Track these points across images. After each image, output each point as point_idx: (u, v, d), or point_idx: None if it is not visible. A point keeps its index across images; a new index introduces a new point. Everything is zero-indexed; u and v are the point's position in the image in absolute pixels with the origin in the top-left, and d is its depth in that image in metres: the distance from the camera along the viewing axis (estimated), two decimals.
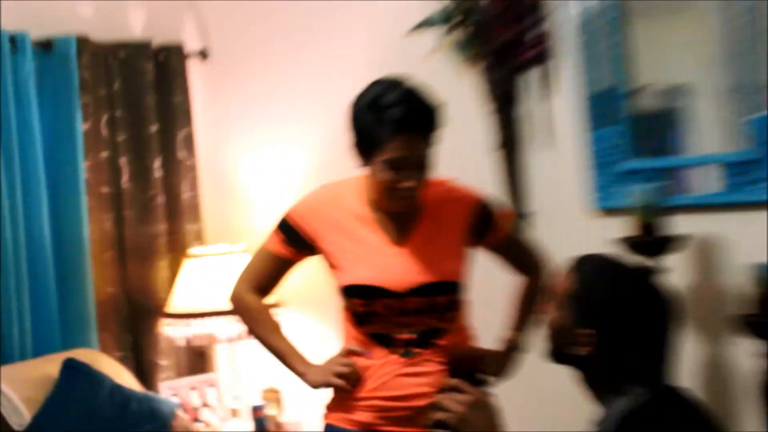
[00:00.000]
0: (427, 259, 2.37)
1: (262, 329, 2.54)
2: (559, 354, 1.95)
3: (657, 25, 3.15)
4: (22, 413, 3.29)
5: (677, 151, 3.08)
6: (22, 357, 3.63)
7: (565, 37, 3.29)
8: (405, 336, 2.38)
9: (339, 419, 2.45)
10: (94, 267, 3.92)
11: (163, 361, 4.08)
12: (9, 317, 3.60)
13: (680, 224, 2.96)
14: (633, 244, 2.92)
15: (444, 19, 3.44)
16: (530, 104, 3.39)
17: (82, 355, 3.62)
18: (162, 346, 4.06)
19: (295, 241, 2.45)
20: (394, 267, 2.37)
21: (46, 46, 3.85)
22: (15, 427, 3.28)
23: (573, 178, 3.30)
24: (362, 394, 2.41)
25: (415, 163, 2.31)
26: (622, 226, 3.02)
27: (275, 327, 2.54)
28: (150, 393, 3.73)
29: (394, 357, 2.38)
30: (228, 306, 2.60)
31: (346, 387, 2.39)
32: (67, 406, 3.36)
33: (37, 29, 3.83)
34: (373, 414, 2.40)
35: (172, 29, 4.35)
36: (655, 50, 3.13)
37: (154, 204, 4.14)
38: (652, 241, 2.90)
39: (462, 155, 3.55)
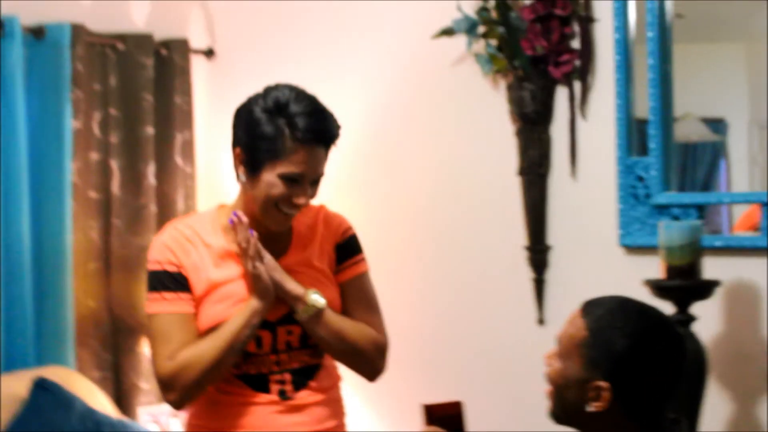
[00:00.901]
0: (303, 284, 2.33)
1: (212, 347, 2.27)
2: (566, 411, 1.88)
3: (702, 49, 3.10)
4: None
5: (712, 187, 3.03)
6: None
7: (599, 57, 3.24)
8: (278, 376, 2.33)
9: None
10: (76, 278, 3.86)
11: (145, 385, 4.02)
12: None
13: (711, 267, 2.89)
14: (660, 287, 2.85)
15: (468, 28, 3.39)
16: (558, 127, 3.35)
17: (55, 373, 3.58)
18: (144, 367, 4.02)
19: (183, 286, 2.31)
20: None
21: (37, 33, 3.80)
22: None
23: (598, 211, 3.25)
24: None
25: (311, 179, 2.28)
26: (649, 267, 2.96)
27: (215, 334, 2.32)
28: (126, 419, 3.68)
29: (272, 399, 2.33)
30: (175, 395, 2.29)
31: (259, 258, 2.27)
32: (33, 430, 3.32)
33: (29, 15, 3.79)
34: None
35: (177, 25, 4.32)
36: (697, 77, 3.08)
37: (145, 213, 4.09)
38: (681, 286, 2.83)
39: (483, 176, 3.52)
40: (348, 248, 2.45)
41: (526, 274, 3.42)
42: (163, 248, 2.33)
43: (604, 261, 3.22)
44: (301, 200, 2.27)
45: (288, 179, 2.24)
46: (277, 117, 2.23)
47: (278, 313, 2.32)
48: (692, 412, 2.69)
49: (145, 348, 3.96)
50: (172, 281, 2.30)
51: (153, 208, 4.11)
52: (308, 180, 2.27)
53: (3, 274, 3.66)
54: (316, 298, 2.31)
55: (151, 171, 4.12)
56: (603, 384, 1.79)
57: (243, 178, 2.30)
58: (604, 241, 3.22)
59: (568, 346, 1.85)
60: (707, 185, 3.21)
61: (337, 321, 2.34)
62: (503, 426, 3.45)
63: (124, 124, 4.09)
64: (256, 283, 2.28)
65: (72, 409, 3.44)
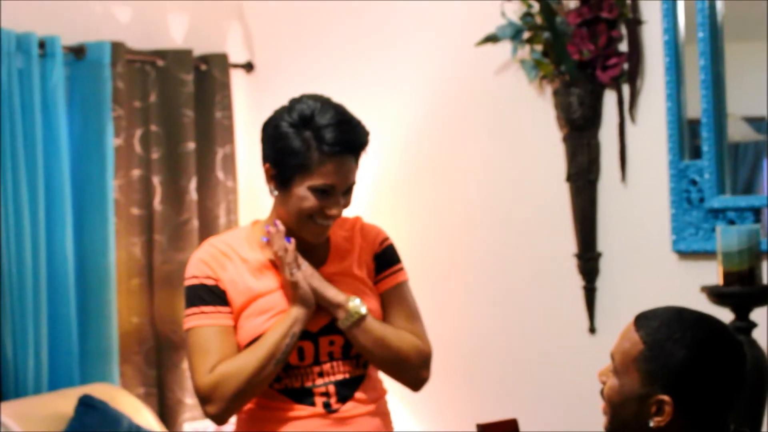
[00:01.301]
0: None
1: (253, 357, 2.21)
2: (625, 428, 1.80)
3: (739, 48, 3.03)
4: None
5: (755, 188, 2.96)
6: (37, 391, 3.56)
7: (648, 59, 3.17)
8: (322, 389, 2.27)
9: None
10: (119, 295, 3.85)
11: (189, 400, 3.98)
12: (24, 347, 3.54)
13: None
14: (718, 294, 2.75)
15: (512, 34, 3.33)
16: (607, 132, 3.27)
17: (100, 390, 3.55)
18: (188, 383, 3.98)
19: (221, 300, 2.26)
20: None
21: (78, 52, 3.81)
22: None
23: (649, 216, 3.17)
24: None
25: (343, 189, 2.24)
26: (703, 273, 2.87)
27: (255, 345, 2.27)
28: None
29: (317, 411, 2.26)
30: (215, 408, 2.22)
31: (288, 258, 2.23)
32: None
33: (69, 34, 3.80)
34: None
35: (215, 40, 4.30)
36: (736, 76, 3.00)
37: (187, 228, 4.06)
38: (741, 292, 2.74)
39: (530, 184, 3.46)
40: (386, 258, 2.40)
41: (576, 282, 3.34)
42: (199, 263, 2.29)
43: (656, 267, 3.14)
44: (333, 211, 2.23)
45: (319, 191, 2.21)
46: (303, 130, 2.19)
47: (319, 323, 2.27)
48: (755, 422, 2.60)
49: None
50: (210, 295, 2.25)
51: (195, 223, 4.09)
52: (339, 191, 2.23)
53: (47, 293, 3.64)
54: (358, 305, 2.26)
55: (192, 186, 4.10)
56: (665, 398, 1.72)
57: (275, 192, 2.27)
58: (657, 247, 3.14)
59: (624, 362, 1.78)
60: (750, 186, 3.12)
61: (379, 329, 2.29)
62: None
63: (165, 140, 4.07)
64: (295, 291, 2.23)
65: (118, 426, 3.41)
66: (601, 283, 3.30)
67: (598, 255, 3.29)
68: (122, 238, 3.90)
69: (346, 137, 2.20)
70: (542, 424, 3.40)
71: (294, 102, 2.25)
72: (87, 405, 3.41)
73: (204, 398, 2.23)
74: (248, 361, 2.20)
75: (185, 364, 3.97)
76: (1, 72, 3.56)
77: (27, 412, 3.33)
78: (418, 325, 2.38)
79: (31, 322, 3.56)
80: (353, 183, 2.26)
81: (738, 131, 3.12)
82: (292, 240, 2.25)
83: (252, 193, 4.29)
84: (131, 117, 3.97)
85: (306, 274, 2.24)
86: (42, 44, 3.67)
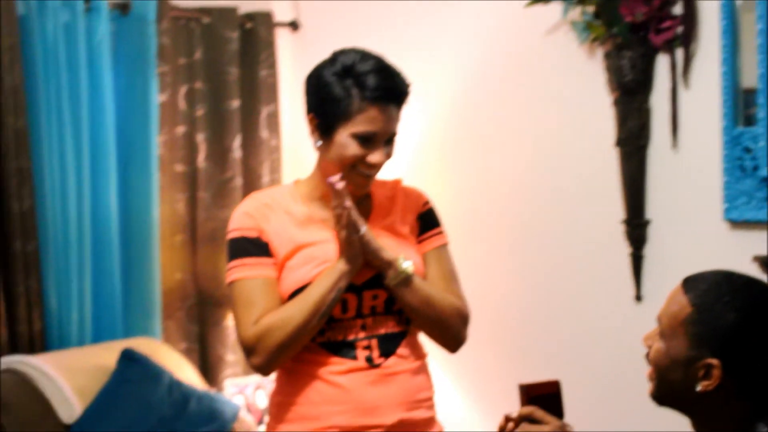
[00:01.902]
0: (388, 250, 2.27)
1: (299, 309, 2.20)
2: (671, 393, 1.75)
3: None
4: (73, 405, 3.24)
5: None
6: (80, 343, 3.58)
7: (703, 22, 3.07)
8: (365, 342, 2.26)
9: None
10: (163, 251, 3.86)
11: (230, 356, 3.99)
12: (68, 300, 3.56)
13: None
14: None
15: None
16: (658, 96, 3.19)
17: (142, 344, 3.56)
18: (230, 339, 3.98)
19: (264, 251, 2.25)
20: None
21: (123, 9, 3.79)
22: (65, 419, 3.23)
23: (701, 184, 3.09)
24: (323, 413, 2.23)
25: (385, 137, 2.23)
26: (755, 243, 2.80)
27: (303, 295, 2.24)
28: (212, 391, 3.65)
29: (359, 365, 2.24)
30: (260, 359, 2.21)
31: (354, 226, 2.20)
32: (121, 401, 3.30)
33: None
34: None
35: None
36: None
37: (231, 186, 4.05)
38: None
39: (578, 148, 3.40)
40: (429, 219, 2.41)
41: (624, 249, 3.27)
42: (242, 216, 2.28)
43: (706, 236, 3.06)
44: (376, 159, 2.22)
45: (361, 138, 2.20)
46: (345, 78, 2.20)
47: (364, 276, 2.26)
48: None
49: (230, 321, 3.92)
50: (253, 246, 2.25)
51: (239, 180, 4.08)
52: (381, 138, 2.22)
53: (92, 247, 3.66)
54: (407, 265, 2.25)
55: (236, 144, 4.08)
56: (713, 361, 1.68)
57: (318, 143, 2.26)
58: (707, 216, 3.06)
59: (672, 325, 1.74)
60: None
61: (424, 288, 2.28)
62: (600, 405, 3.33)
63: (209, 97, 4.05)
64: (347, 249, 2.21)
65: (159, 381, 3.42)
66: (648, 250, 3.23)
67: (647, 222, 3.22)
68: (166, 194, 3.91)
69: (386, 84, 2.20)
70: (587, 392, 3.36)
71: (337, 53, 2.26)
72: (129, 358, 3.42)
73: (249, 350, 2.22)
74: (293, 313, 2.19)
75: (227, 321, 3.98)
76: (47, 26, 3.56)
77: (70, 364, 3.36)
78: (456, 287, 2.38)
79: (75, 276, 3.59)
80: (394, 132, 2.25)
81: None
82: (350, 202, 2.21)
83: (296, 153, 4.26)
84: (176, 74, 3.96)
85: (363, 237, 2.22)
86: (87, 0, 3.65)
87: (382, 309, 2.28)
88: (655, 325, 1.79)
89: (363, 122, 2.19)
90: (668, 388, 1.75)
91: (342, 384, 2.23)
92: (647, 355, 1.79)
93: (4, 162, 3.44)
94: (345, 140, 2.20)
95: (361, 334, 2.26)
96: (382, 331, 2.28)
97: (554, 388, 1.92)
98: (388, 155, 2.26)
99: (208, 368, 3.96)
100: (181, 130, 3.97)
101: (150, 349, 3.55)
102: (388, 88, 2.20)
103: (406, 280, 2.24)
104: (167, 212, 3.90)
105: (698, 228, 3.10)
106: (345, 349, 2.25)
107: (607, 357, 3.33)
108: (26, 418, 3.14)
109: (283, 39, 4.30)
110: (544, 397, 1.91)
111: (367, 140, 2.20)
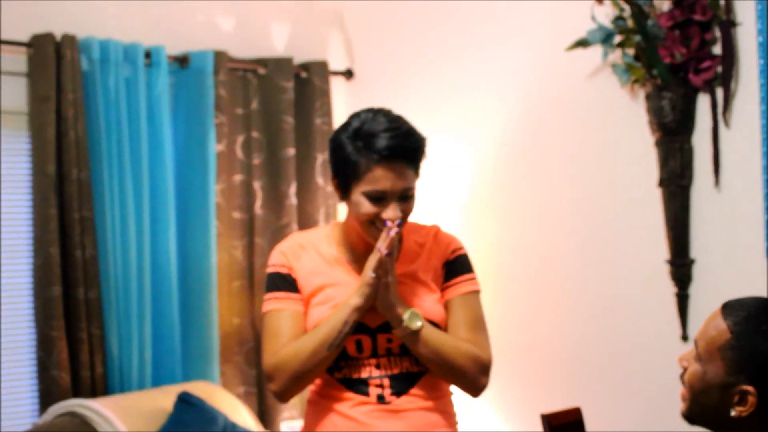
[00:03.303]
0: (404, 296, 2.38)
1: (311, 341, 2.33)
2: (704, 415, 1.78)
3: None
4: None
5: None
6: (140, 387, 3.69)
7: (742, 62, 3.10)
8: (377, 381, 2.36)
9: None
10: (221, 296, 3.97)
11: None
12: (129, 345, 3.68)
13: None
14: None
15: (603, 38, 3.30)
16: (700, 136, 3.21)
17: (200, 388, 3.66)
18: None
19: (292, 287, 2.43)
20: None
21: (182, 62, 3.93)
22: None
23: (743, 222, 3.10)
24: None
25: (396, 194, 2.31)
26: None
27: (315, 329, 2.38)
28: None
29: (370, 401, 2.36)
30: (276, 387, 2.38)
31: (384, 273, 2.30)
32: None
33: (174, 44, 3.93)
34: None
35: (316, 48, 4.38)
36: None
37: (287, 232, 4.13)
38: None
39: (621, 189, 3.42)
40: (457, 266, 2.48)
41: (669, 288, 3.29)
42: (278, 254, 2.47)
43: (750, 274, 3.06)
44: (388, 215, 2.31)
45: (372, 197, 2.31)
46: (356, 140, 2.32)
47: (378, 320, 2.37)
48: None
49: None
50: (283, 282, 2.42)
51: (295, 226, 4.17)
52: (393, 196, 2.32)
53: (151, 293, 3.78)
54: (412, 320, 2.34)
55: (292, 191, 4.18)
56: (749, 388, 1.71)
57: (340, 201, 2.41)
58: (751, 254, 3.07)
59: (710, 349, 1.77)
60: None
61: (435, 339, 2.36)
62: None
63: (266, 146, 4.16)
64: (364, 287, 2.33)
65: (214, 423, 3.50)
66: (693, 289, 3.24)
67: (691, 261, 3.23)
68: (224, 241, 4.01)
69: (392, 143, 2.29)
70: (632, 430, 3.36)
71: (351, 116, 2.40)
72: (185, 402, 3.51)
73: (268, 377, 2.40)
74: (305, 345, 2.33)
75: None
76: (110, 81, 3.70)
77: (128, 407, 3.46)
78: (480, 335, 2.44)
79: (136, 321, 3.71)
80: (408, 188, 2.34)
81: None
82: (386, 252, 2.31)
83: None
84: (233, 123, 4.07)
85: (385, 285, 2.33)
86: (148, 54, 3.81)
87: (397, 350, 2.38)
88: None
89: (371, 182, 2.30)
90: (701, 410, 1.79)
91: (354, 417, 2.36)
92: (681, 376, 1.81)
93: (68, 212, 3.59)
94: (359, 199, 2.33)
95: (375, 373, 2.37)
96: (396, 371, 2.38)
97: (576, 415, 1.95)
98: (405, 211, 2.35)
99: (266, 411, 4.04)
100: (238, 178, 4.08)
101: (207, 392, 3.65)
102: (394, 148, 2.29)
103: (413, 334, 2.33)
104: (225, 259, 4.01)
105: (742, 266, 3.10)
106: (359, 385, 2.37)
107: (653, 397, 3.32)
108: None
109: (337, 87, 4.40)
110: (566, 425, 1.94)
111: (378, 199, 2.31)
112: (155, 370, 3.78)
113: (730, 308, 1.78)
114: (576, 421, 1.96)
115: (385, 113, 2.35)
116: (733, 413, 1.73)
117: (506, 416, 3.77)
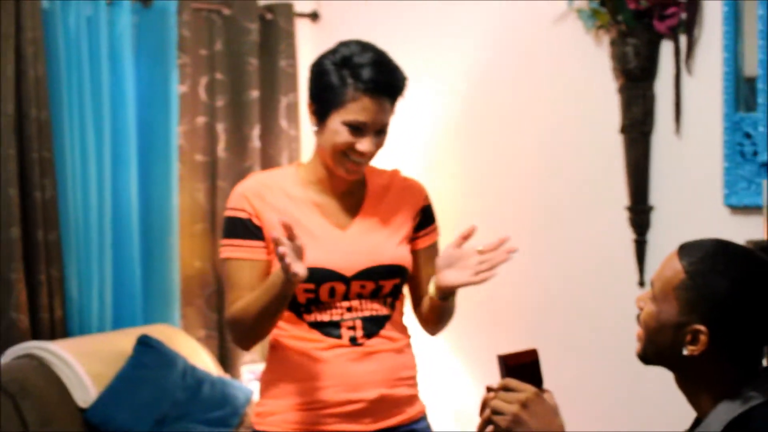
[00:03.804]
0: (374, 242, 2.38)
1: (255, 307, 2.26)
2: (658, 354, 1.80)
3: None
4: (88, 389, 3.35)
5: None
6: (100, 330, 3.69)
7: (706, 9, 3.09)
8: (350, 323, 2.35)
9: (276, 423, 2.35)
10: (182, 240, 3.96)
11: None
12: (89, 287, 3.67)
13: None
14: (764, 248, 2.70)
15: None
16: (662, 83, 3.21)
17: (160, 331, 3.66)
18: None
19: (253, 234, 2.35)
20: (340, 249, 2.35)
21: (144, 1, 3.88)
22: (80, 403, 3.34)
23: (703, 170, 3.11)
24: (307, 388, 2.34)
25: (375, 128, 2.31)
26: (755, 227, 2.82)
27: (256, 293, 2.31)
28: (227, 377, 3.74)
29: (342, 343, 2.34)
30: (235, 339, 2.38)
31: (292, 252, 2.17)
32: (135, 386, 3.40)
33: None
34: (319, 412, 2.33)
35: None
36: None
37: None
38: None
39: (583, 134, 3.43)
40: (427, 216, 2.50)
41: (628, 234, 3.30)
42: (239, 197, 2.38)
43: (708, 221, 3.08)
44: (364, 146, 2.30)
45: (352, 127, 2.29)
46: (342, 68, 2.29)
47: (354, 269, 2.35)
48: None
49: None
50: (243, 228, 2.35)
51: (258, 169, 4.15)
52: (372, 129, 2.31)
53: (112, 236, 3.76)
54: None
55: (256, 134, 4.16)
56: (701, 328, 1.71)
57: (314, 128, 2.37)
58: (709, 201, 3.09)
59: (664, 289, 1.77)
60: None
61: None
62: (601, 384, 3.37)
63: (229, 88, 4.13)
64: (286, 273, 2.17)
65: (174, 366, 3.51)
66: (651, 236, 3.26)
67: (650, 208, 3.25)
68: (186, 183, 3.99)
69: (381, 77, 2.29)
70: (587, 375, 3.40)
71: (339, 45, 2.36)
72: (145, 344, 3.52)
73: (228, 328, 2.41)
74: (251, 307, 2.26)
75: None
76: (70, 19, 3.66)
77: (87, 350, 3.46)
78: None
79: (96, 264, 3.70)
80: (385, 124, 2.34)
81: None
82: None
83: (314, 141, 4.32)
84: (196, 65, 4.04)
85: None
86: None
87: (368, 294, 2.37)
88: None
89: (354, 111, 2.27)
90: (655, 350, 1.79)
91: (326, 359, 2.33)
92: (638, 317, 1.83)
93: (27, 153, 3.56)
94: (337, 127, 2.29)
95: (347, 315, 2.35)
96: (367, 313, 2.37)
97: (532, 356, 1.96)
98: (378, 145, 2.34)
99: (227, 355, 4.05)
100: (201, 120, 4.06)
101: (167, 335, 3.65)
102: (382, 81, 2.29)
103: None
104: (187, 201, 3.99)
105: (700, 214, 3.12)
106: (330, 328, 2.34)
107: (610, 339, 3.36)
108: (44, 402, 3.26)
109: (303, 30, 4.37)
110: (522, 366, 1.94)
111: (357, 129, 2.29)
112: (115, 313, 3.78)
113: (686, 249, 1.78)
114: (532, 362, 1.97)
115: (372, 47, 2.34)
116: (685, 352, 1.73)
117: (465, 358, 3.81)
